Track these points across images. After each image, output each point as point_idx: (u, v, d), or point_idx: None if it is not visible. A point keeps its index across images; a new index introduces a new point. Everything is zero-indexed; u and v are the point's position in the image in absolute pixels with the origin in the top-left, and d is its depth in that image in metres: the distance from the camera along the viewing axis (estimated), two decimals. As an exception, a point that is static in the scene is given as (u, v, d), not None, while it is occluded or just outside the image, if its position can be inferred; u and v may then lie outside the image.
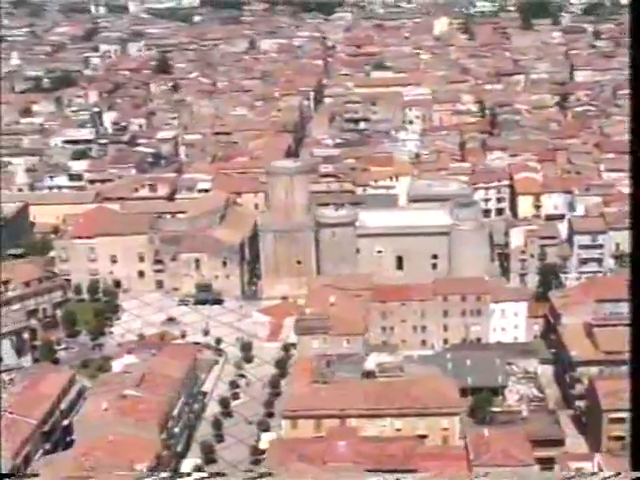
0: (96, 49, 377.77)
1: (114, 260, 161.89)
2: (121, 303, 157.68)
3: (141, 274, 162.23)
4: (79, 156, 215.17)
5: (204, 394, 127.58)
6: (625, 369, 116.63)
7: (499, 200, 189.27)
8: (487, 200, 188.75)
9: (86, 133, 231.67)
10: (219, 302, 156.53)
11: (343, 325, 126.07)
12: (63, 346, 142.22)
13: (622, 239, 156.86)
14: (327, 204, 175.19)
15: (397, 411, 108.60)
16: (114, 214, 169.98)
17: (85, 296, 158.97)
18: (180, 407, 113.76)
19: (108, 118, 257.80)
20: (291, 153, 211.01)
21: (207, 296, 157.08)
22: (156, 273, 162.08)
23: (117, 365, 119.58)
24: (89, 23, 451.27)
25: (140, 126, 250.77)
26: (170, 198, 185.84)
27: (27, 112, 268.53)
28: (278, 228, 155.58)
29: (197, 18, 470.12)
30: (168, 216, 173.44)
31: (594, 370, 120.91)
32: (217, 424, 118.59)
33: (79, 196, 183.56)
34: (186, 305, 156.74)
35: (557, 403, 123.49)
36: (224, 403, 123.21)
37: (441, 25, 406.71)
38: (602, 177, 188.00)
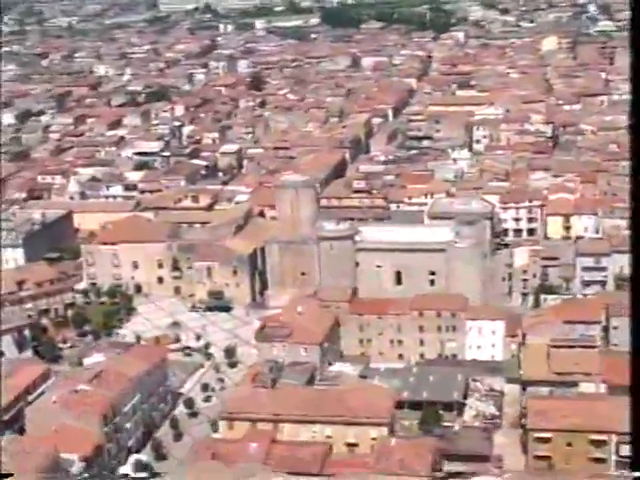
0: (205, 65, 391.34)
1: (135, 266, 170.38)
2: (137, 307, 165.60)
3: (160, 280, 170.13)
4: (140, 167, 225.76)
5: (178, 394, 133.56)
6: (574, 390, 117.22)
7: (530, 220, 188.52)
8: (518, 220, 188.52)
9: (155, 146, 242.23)
10: (228, 309, 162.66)
11: (303, 334, 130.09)
12: (69, 344, 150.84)
13: (625, 262, 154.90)
14: (352, 219, 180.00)
15: (328, 418, 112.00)
16: (143, 222, 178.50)
17: (104, 299, 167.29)
18: (134, 404, 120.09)
19: (187, 132, 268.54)
20: (338, 169, 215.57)
21: (217, 303, 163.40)
22: (174, 280, 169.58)
23: (87, 362, 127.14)
24: (208, 40, 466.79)
25: (213, 140, 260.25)
26: (209, 209, 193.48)
27: (116, 125, 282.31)
28: (283, 240, 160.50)
29: (313, 36, 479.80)
30: (197, 225, 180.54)
31: (544, 390, 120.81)
32: (174, 423, 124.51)
33: (120, 205, 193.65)
34: (197, 311, 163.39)
35: (513, 422, 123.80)
36: (189, 404, 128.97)
37: (549, 44, 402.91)
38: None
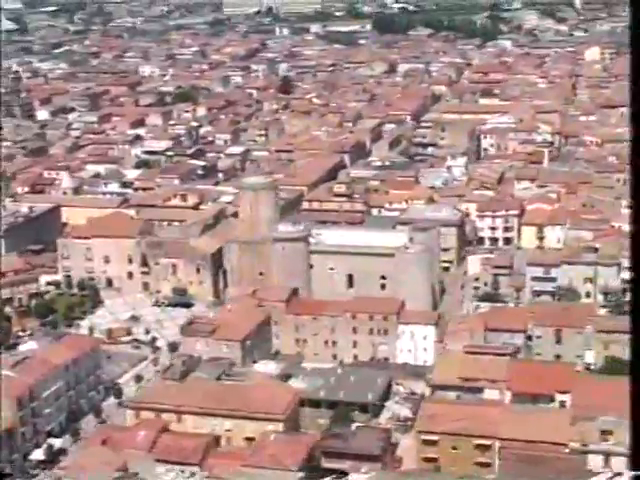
0: (246, 68, 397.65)
1: (107, 260, 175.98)
2: (105, 300, 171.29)
3: (130, 275, 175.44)
4: (142, 165, 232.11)
5: (114, 385, 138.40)
6: (479, 397, 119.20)
7: (506, 229, 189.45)
8: (494, 229, 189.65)
9: (163, 145, 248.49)
10: (189, 306, 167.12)
11: (226, 331, 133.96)
12: (28, 333, 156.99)
13: (576, 273, 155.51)
14: (325, 222, 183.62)
15: (228, 412, 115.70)
16: (123, 218, 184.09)
17: (75, 291, 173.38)
18: (56, 390, 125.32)
19: (203, 132, 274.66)
20: (330, 173, 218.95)
21: (179, 300, 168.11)
22: (142, 275, 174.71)
23: (21, 349, 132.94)
24: (258, 43, 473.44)
25: (225, 141, 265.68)
26: (195, 208, 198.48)
27: (139, 124, 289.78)
28: (242, 240, 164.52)
29: (361, 41, 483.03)
30: (176, 223, 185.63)
31: (452, 395, 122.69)
32: (97, 411, 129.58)
33: (107, 201, 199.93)
34: (159, 306, 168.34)
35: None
36: (118, 394, 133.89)
37: (592, 55, 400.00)
38: (621, 212, 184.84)
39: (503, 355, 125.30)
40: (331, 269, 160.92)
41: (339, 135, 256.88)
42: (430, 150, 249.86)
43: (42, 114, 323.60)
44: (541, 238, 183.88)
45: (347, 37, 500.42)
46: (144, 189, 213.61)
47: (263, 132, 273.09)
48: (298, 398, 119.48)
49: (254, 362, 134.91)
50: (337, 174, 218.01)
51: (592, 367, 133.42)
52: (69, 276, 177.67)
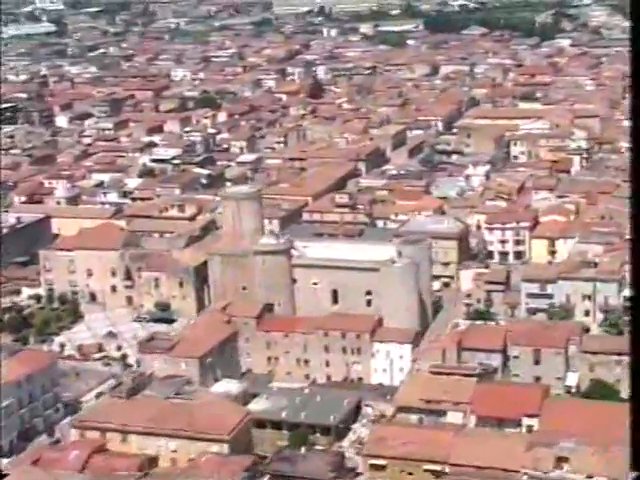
0: (281, 71, 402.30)
1: (90, 273, 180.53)
2: (86, 315, 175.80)
3: (113, 289, 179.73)
4: (146, 174, 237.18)
5: (78, 403, 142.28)
6: (441, 420, 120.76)
7: (518, 243, 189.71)
8: (504, 242, 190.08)
9: (172, 153, 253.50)
10: (171, 321, 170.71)
11: (185, 348, 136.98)
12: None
13: (574, 290, 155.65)
14: (321, 234, 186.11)
15: (173, 432, 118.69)
16: (111, 230, 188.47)
17: (56, 304, 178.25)
18: (6, 408, 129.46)
19: (219, 139, 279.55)
20: (340, 182, 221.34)
21: (161, 315, 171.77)
22: (126, 289, 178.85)
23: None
24: (300, 45, 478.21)
25: (240, 149, 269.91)
26: (192, 219, 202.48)
27: (156, 130, 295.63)
28: (225, 253, 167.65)
29: (410, 42, 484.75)
30: (167, 235, 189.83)
31: (414, 417, 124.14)
32: (51, 431, 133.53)
33: (99, 211, 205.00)
34: (140, 322, 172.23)
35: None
36: (74, 410, 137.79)
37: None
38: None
39: (470, 376, 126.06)
40: (314, 284, 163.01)
41: (360, 142, 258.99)
42: (455, 158, 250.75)
43: (61, 120, 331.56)
44: (553, 252, 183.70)
45: (396, 37, 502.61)
46: (142, 199, 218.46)
47: (282, 139, 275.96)
48: (249, 419, 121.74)
49: (216, 380, 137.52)
50: (347, 183, 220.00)
51: (573, 390, 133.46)
52: (52, 289, 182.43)
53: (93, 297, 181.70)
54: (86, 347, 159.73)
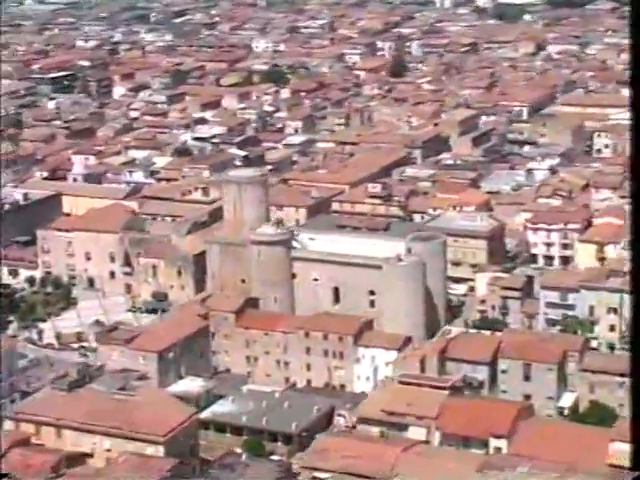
0: (370, 45, 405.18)
1: (88, 257, 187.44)
2: (80, 302, 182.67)
3: (112, 275, 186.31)
4: (181, 153, 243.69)
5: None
6: (404, 434, 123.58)
7: (565, 246, 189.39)
8: (549, 245, 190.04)
9: (215, 131, 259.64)
10: (166, 313, 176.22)
11: (147, 341, 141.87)
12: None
13: (598, 301, 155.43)
14: (344, 227, 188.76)
15: (107, 430, 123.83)
16: (118, 212, 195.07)
17: (50, 289, 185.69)
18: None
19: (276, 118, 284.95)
20: (384, 170, 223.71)
21: (157, 305, 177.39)
22: (125, 276, 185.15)
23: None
24: (400, 17, 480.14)
25: (295, 129, 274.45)
26: (213, 203, 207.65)
27: (213, 106, 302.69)
28: (223, 241, 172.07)
29: (527, 17, 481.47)
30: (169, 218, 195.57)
31: (375, 430, 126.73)
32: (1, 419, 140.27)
33: (112, 191, 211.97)
34: (134, 312, 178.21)
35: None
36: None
37: None
38: None
39: (441, 389, 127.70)
40: (315, 280, 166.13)
41: (424, 127, 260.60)
42: (527, 149, 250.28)
43: (118, 91, 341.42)
44: (602, 258, 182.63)
45: (514, 11, 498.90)
46: (168, 180, 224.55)
47: (343, 121, 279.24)
48: (193, 420, 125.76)
49: (180, 378, 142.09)
50: (390, 173, 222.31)
51: (566, 412, 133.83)
52: (49, 272, 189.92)
53: (91, 283, 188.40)
54: (65, 336, 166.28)
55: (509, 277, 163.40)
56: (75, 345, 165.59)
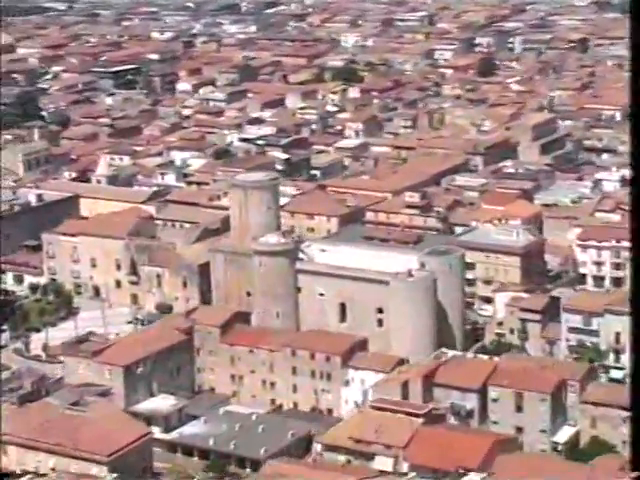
0: (469, 41, 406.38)
1: (94, 264, 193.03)
2: (81, 312, 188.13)
3: (118, 284, 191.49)
4: (221, 155, 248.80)
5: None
6: (371, 463, 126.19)
7: (617, 266, 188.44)
8: (599, 264, 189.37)
9: (263, 131, 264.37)
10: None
11: (115, 355, 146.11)
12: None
13: (623, 327, 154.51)
14: (372, 238, 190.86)
15: (53, 448, 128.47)
16: (132, 216, 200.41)
17: (51, 297, 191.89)
18: None
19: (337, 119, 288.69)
20: (434, 178, 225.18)
21: (160, 318, 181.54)
22: (131, 285, 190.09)
23: None
24: (510, 9, 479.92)
25: (356, 132, 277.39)
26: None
27: (274, 104, 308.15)
28: (227, 251, 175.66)
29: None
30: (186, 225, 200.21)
31: (342, 459, 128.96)
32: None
33: (132, 194, 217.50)
34: (135, 324, 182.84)
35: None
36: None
37: None
38: None
39: (416, 416, 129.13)
40: (321, 295, 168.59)
41: (495, 131, 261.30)
42: (604, 157, 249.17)
43: (182, 86, 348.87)
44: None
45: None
46: (199, 183, 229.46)
47: (410, 123, 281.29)
48: (148, 440, 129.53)
49: (151, 395, 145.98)
50: (439, 182, 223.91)
51: (560, 448, 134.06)
52: (54, 279, 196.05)
53: (97, 291, 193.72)
54: (52, 348, 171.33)
55: (530, 297, 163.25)
56: (62, 357, 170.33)
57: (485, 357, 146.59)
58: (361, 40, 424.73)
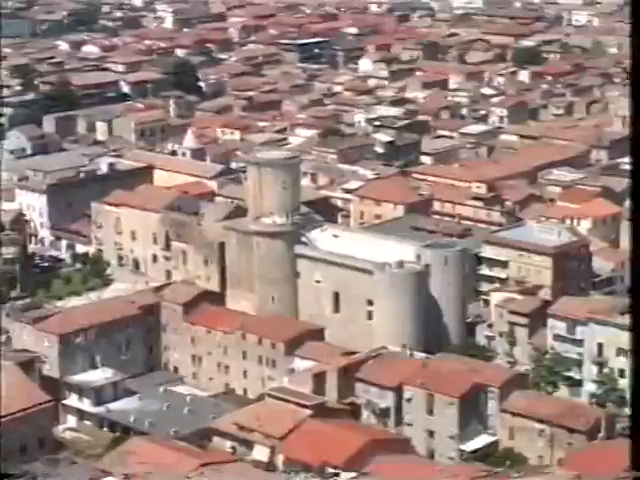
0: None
1: (134, 237, 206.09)
2: (112, 284, 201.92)
3: (154, 258, 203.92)
4: (330, 134, 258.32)
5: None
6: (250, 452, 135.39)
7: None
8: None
9: (391, 112, 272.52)
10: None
11: (56, 323, 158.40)
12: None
13: (607, 338, 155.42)
14: (418, 229, 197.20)
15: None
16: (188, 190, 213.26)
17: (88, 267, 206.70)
18: None
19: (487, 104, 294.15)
20: (536, 170, 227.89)
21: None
22: (165, 261, 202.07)
23: None
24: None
25: (500, 117, 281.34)
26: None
27: (437, 85, 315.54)
28: (240, 230, 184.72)
29: None
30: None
31: (228, 445, 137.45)
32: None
33: (201, 167, 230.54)
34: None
35: None
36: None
37: None
38: None
39: (305, 407, 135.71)
40: (317, 282, 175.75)
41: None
42: None
43: (364, 63, 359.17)
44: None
45: None
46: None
47: (562, 111, 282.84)
48: (49, 409, 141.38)
49: (94, 368, 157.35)
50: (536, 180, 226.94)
51: (468, 457, 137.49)
52: (101, 250, 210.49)
53: (137, 265, 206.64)
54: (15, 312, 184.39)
55: (520, 300, 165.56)
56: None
57: (423, 355, 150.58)
58: (593, 20, 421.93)
